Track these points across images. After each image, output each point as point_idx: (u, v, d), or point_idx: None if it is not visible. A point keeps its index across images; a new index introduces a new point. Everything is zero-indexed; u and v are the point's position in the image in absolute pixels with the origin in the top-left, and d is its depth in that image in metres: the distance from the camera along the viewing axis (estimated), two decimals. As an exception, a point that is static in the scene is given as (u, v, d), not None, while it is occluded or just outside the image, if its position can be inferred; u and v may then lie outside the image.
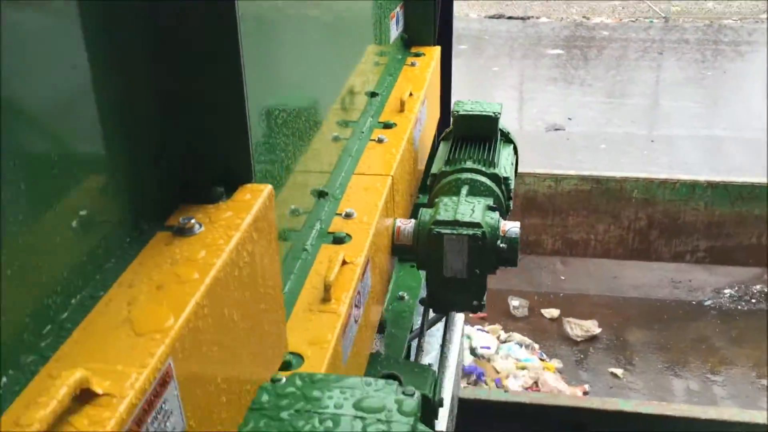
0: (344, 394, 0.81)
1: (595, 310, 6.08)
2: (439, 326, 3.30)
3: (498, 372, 5.15)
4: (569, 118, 9.47)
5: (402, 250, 2.15)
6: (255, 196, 1.14)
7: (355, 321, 1.70)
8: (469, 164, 2.37)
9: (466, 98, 2.63)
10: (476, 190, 2.30)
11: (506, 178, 2.39)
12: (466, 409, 4.34)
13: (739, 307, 6.05)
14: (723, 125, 8.96)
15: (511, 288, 6.33)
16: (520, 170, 6.82)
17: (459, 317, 3.58)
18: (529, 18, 12.34)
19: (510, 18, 12.34)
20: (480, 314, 6.01)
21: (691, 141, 8.54)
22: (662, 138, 8.81)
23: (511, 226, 2.13)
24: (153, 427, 0.84)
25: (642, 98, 9.89)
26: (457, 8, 13.50)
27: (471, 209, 2.12)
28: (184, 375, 0.90)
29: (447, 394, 3.08)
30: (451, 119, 2.54)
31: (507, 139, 2.62)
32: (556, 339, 5.89)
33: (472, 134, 2.48)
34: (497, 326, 5.80)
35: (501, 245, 2.09)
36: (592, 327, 5.89)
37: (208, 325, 0.96)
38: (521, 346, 5.55)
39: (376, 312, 1.96)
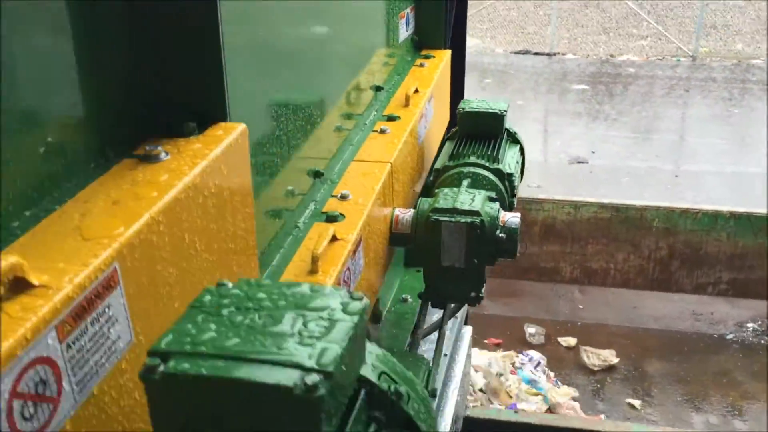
0: (289, 296, 0.78)
1: (613, 340, 5.95)
2: (447, 343, 3.24)
3: (511, 397, 5.04)
4: (592, 152, 9.41)
5: (400, 239, 2.12)
6: (227, 133, 1.12)
7: None
8: (472, 159, 2.34)
9: None
10: (478, 183, 2.27)
11: (510, 175, 2.35)
12: (475, 429, 4.25)
13: (762, 341, 5.88)
14: (750, 162, 8.83)
15: (527, 315, 6.23)
16: (538, 196, 6.73)
17: (467, 333, 3.52)
18: (555, 54, 12.37)
19: (536, 54, 12.38)
20: (494, 340, 5.92)
21: (717, 177, 8.42)
22: (687, 173, 8.70)
23: (511, 217, 2.09)
24: (94, 328, 0.81)
25: (667, 134, 9.81)
26: (483, 43, 13.51)
27: (471, 198, 2.09)
28: (132, 286, 0.88)
29: (449, 410, 3.01)
30: (457, 117, 2.52)
31: (514, 139, 2.59)
32: (573, 368, 5.76)
33: (478, 132, 2.46)
34: (512, 353, 5.69)
35: (500, 235, 2.04)
36: (610, 356, 5.75)
37: (165, 243, 0.94)
38: (537, 365, 5.46)
39: (368, 293, 1.92)
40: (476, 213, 2.02)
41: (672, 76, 11.85)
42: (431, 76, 2.67)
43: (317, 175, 1.94)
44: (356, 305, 0.77)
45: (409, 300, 2.73)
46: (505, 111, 2.48)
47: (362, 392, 0.81)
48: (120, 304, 0.86)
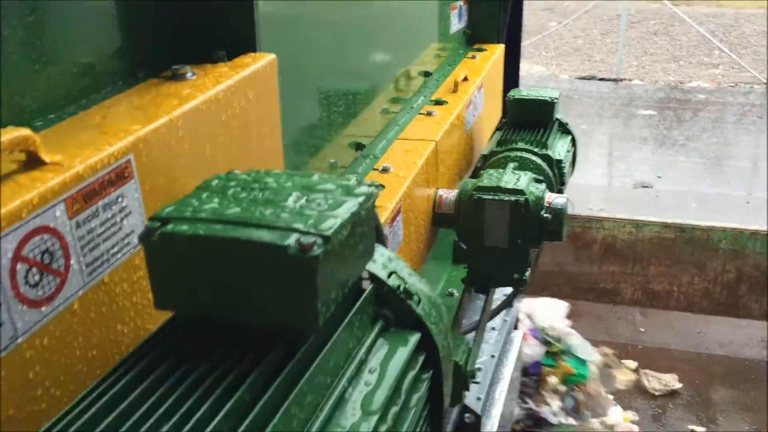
0: (297, 180, 0.77)
1: (676, 365, 5.72)
2: (495, 345, 3.17)
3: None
4: (658, 176, 9.18)
5: (443, 219, 2.09)
6: (255, 61, 1.13)
7: None
8: (520, 145, 2.31)
9: None
10: (525, 167, 2.23)
11: (559, 161, 2.31)
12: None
13: (837, 371, 5.56)
14: (827, 190, 8.45)
15: (586, 337, 6.05)
16: (598, 214, 6.59)
17: (517, 337, 3.44)
18: (621, 80, 12.18)
19: (602, 80, 12.21)
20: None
21: (791, 204, 8.08)
22: (760, 200, 8.37)
23: (558, 198, 2.04)
24: (106, 214, 0.82)
25: (738, 160, 9.50)
26: (547, 69, 13.42)
27: (516, 179, 2.05)
28: (149, 183, 0.89)
29: (495, 412, 2.94)
30: (506, 105, 2.49)
31: (565, 130, 2.54)
32: (632, 391, 5.56)
33: (527, 119, 2.42)
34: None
35: (545, 215, 2.00)
36: (672, 381, 5.53)
37: (184, 150, 0.95)
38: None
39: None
40: (521, 192, 1.98)
41: (744, 102, 11.50)
42: (482, 67, 2.65)
43: (359, 147, 1.94)
44: (363, 188, 0.75)
45: (456, 294, 2.69)
46: (556, 99, 2.44)
47: (370, 286, 0.79)
48: (134, 198, 0.86)
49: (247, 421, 0.58)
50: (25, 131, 0.76)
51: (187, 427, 0.58)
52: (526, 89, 2.50)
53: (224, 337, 0.68)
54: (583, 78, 12.09)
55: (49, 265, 0.75)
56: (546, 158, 2.27)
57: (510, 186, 2.00)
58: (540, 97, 2.43)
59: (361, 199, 0.73)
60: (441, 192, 2.12)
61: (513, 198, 1.98)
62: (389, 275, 0.81)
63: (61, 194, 0.75)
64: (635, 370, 5.73)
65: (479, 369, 2.90)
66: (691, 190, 8.64)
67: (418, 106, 2.33)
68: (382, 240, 0.86)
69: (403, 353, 0.77)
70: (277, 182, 0.76)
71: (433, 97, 2.38)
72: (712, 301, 5.97)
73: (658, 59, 14.18)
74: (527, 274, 2.09)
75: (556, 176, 2.30)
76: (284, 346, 0.66)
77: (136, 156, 0.86)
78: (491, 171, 2.11)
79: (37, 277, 0.73)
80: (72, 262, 0.77)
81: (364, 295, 0.77)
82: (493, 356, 3.06)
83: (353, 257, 0.73)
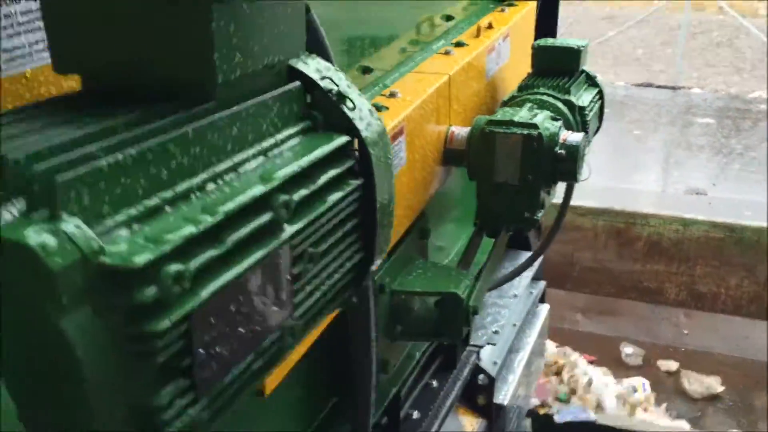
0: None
1: (720, 369, 5.50)
2: (518, 314, 3.07)
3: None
4: (713, 184, 8.88)
5: (454, 156, 2.03)
6: None
7: None
8: (542, 90, 2.23)
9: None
10: (545, 109, 2.15)
11: (582, 108, 2.22)
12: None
13: None
14: None
15: (625, 336, 5.88)
16: (645, 211, 6.38)
17: (543, 310, 3.33)
18: (680, 88, 11.87)
19: (659, 87, 11.93)
20: (588, 356, 5.59)
21: None
22: (819, 211, 8.03)
23: (573, 135, 1.96)
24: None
25: (798, 171, 9.13)
26: (604, 73, 13.16)
27: (531, 114, 1.98)
28: None
29: (512, 379, 2.85)
30: (532, 55, 2.41)
31: (593, 83, 2.45)
32: (672, 393, 5.36)
33: (551, 68, 2.33)
34: (606, 369, 5.37)
35: (559, 152, 1.91)
36: (715, 384, 5.31)
37: None
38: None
39: (407, 197, 1.83)
40: (534, 126, 1.91)
41: (808, 115, 11.09)
42: (509, 18, 2.58)
43: (366, 70, 1.89)
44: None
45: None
46: (583, 47, 2.35)
47: (297, 83, 0.73)
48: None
49: (116, 141, 0.54)
50: None
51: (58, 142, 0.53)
52: (552, 39, 2.42)
53: (123, 101, 0.64)
54: (640, 85, 11.84)
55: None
56: (567, 103, 2.19)
57: (523, 120, 1.93)
58: (565, 45, 2.34)
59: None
60: (453, 128, 2.06)
61: (525, 131, 1.91)
62: (322, 78, 0.76)
63: None
64: (676, 372, 5.53)
65: (496, 332, 2.81)
66: (745, 198, 8.33)
67: (438, 48, 2.27)
68: (328, 59, 0.81)
69: (324, 148, 0.71)
70: None
71: (454, 41, 2.32)
72: (761, 306, 5.72)
73: (720, 71, 13.80)
74: (539, 214, 2.01)
75: (578, 123, 2.21)
76: (181, 104, 0.62)
77: None
78: (507, 108, 2.05)
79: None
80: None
81: (290, 86, 0.72)
82: (515, 325, 2.97)
83: (270, 29, 0.67)
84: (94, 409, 0.49)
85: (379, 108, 1.76)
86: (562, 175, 1.96)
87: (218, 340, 0.57)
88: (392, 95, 1.85)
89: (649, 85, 11.80)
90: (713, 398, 5.27)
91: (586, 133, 2.26)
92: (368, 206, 0.78)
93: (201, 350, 0.56)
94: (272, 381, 1.28)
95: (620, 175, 7.86)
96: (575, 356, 5.38)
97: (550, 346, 5.46)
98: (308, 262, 0.68)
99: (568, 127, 2.14)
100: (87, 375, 0.49)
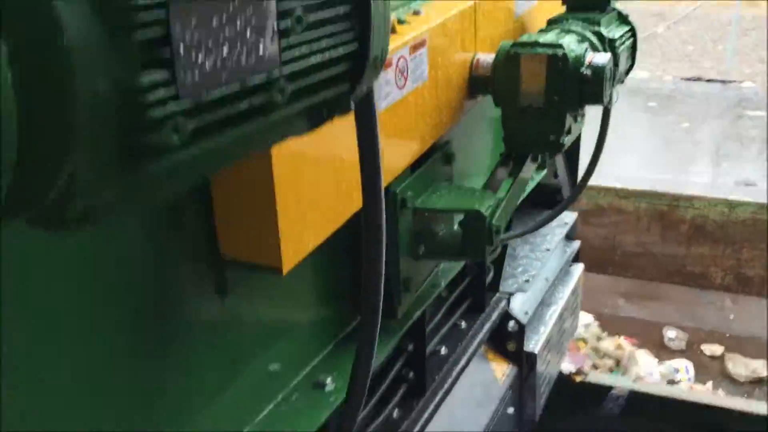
0: None
1: (766, 354, 5.34)
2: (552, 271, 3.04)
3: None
4: (764, 175, 8.65)
5: (479, 82, 2.02)
6: None
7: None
8: (571, 22, 2.21)
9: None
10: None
11: (613, 40, 2.19)
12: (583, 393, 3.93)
13: None
14: None
15: (668, 321, 5.75)
16: (689, 192, 6.20)
17: (577, 269, 3.28)
18: (730, 82, 11.61)
19: (709, 81, 11.68)
20: (630, 339, 5.48)
21: None
22: None
23: (600, 56, 1.93)
24: None
25: None
26: (652, 70, 12.94)
27: (558, 37, 1.96)
28: None
29: (543, 330, 2.82)
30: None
31: (625, 21, 2.42)
32: (716, 377, 5.23)
33: (580, 4, 2.32)
34: (647, 351, 5.27)
35: (585, 72, 1.89)
36: (760, 368, 5.16)
37: None
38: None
39: (429, 114, 1.83)
40: (559, 46, 1.89)
41: None
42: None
43: (392, -9, 1.90)
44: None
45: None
46: (614, -17, 2.32)
47: None
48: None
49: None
50: None
51: None
52: (584, -22, 2.40)
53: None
54: (689, 79, 11.62)
55: None
56: (597, 34, 2.16)
57: (549, 41, 1.91)
58: (596, -21, 2.32)
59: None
60: (479, 55, 2.05)
61: (550, 51, 1.89)
62: None
63: None
64: (720, 356, 5.39)
65: (527, 281, 2.79)
66: (797, 189, 8.11)
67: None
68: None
69: None
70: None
71: (483, -23, 2.31)
72: (811, 291, 5.54)
73: (773, 68, 13.46)
74: (565, 139, 1.99)
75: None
76: None
77: None
78: (533, 34, 2.03)
79: None
80: None
81: None
82: (547, 279, 2.93)
83: None
84: (78, 76, 0.51)
85: (401, 21, 1.77)
86: (587, 97, 1.94)
87: (199, 46, 0.59)
88: (416, 13, 1.85)
89: (698, 79, 11.58)
90: (758, 381, 5.12)
91: (617, 66, 2.23)
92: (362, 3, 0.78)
93: (180, 45, 0.57)
94: (290, 259, 1.29)
95: (669, 168, 7.71)
96: (616, 337, 5.30)
97: (593, 324, 5.39)
98: (296, 23, 0.69)
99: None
100: (72, 44, 0.51)
